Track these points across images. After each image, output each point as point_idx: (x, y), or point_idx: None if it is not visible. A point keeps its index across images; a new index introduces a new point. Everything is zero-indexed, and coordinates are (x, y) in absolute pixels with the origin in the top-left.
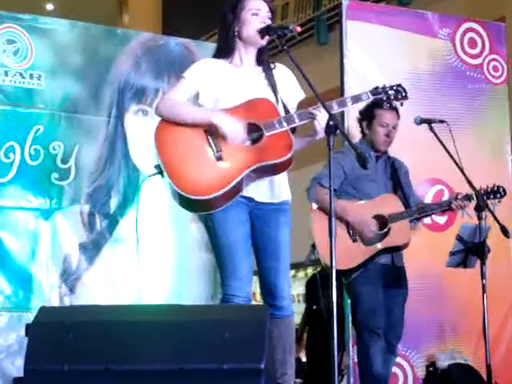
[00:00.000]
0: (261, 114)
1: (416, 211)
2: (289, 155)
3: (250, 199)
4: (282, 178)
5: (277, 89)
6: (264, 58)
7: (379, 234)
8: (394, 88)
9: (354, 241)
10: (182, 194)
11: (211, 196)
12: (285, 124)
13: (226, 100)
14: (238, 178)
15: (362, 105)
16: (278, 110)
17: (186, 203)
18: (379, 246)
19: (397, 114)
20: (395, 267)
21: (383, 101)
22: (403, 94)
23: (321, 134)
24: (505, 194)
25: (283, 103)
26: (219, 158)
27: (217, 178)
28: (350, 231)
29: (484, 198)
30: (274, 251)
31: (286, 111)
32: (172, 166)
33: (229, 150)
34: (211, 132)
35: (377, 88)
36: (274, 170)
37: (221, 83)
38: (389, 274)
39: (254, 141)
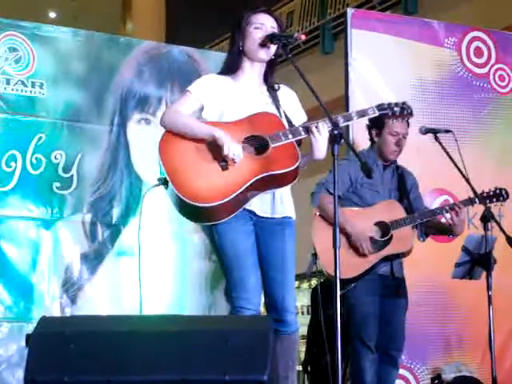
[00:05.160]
0: (265, 128)
1: (418, 216)
2: (295, 165)
3: (253, 213)
4: (285, 194)
5: (280, 106)
6: (269, 79)
7: (381, 241)
8: (400, 105)
9: (356, 250)
10: (186, 201)
11: (215, 203)
12: (290, 136)
13: (230, 114)
14: (244, 187)
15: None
16: (283, 122)
17: (190, 212)
18: (381, 253)
19: (407, 124)
20: (394, 278)
21: (389, 116)
22: (408, 111)
23: (316, 154)
24: (507, 196)
25: (288, 118)
26: (225, 168)
27: (222, 186)
28: (352, 240)
29: (490, 209)
30: (279, 264)
31: (291, 125)
32: (177, 175)
33: None
34: (215, 144)
35: (382, 104)
36: (279, 181)
37: (225, 98)
38: (387, 285)
39: (260, 151)
